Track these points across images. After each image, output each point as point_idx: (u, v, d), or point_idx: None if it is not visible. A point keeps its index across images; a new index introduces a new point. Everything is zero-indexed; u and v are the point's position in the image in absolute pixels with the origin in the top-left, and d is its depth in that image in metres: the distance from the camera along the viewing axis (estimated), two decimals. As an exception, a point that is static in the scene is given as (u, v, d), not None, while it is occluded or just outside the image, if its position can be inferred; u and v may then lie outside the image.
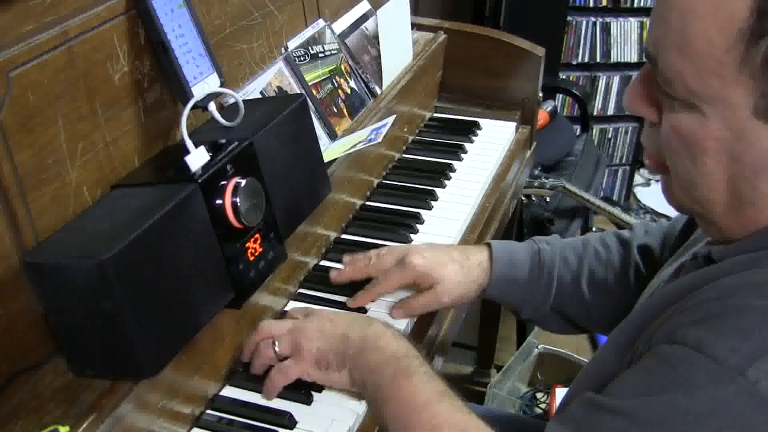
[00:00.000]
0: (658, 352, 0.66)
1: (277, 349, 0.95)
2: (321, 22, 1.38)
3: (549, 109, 2.15)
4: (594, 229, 2.45)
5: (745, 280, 0.67)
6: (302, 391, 0.95)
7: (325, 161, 1.13)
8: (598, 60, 3.09)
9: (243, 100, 0.98)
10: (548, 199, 2.21)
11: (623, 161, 3.29)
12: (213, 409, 0.95)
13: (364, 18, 1.52)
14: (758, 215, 0.70)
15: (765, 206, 0.69)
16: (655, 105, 0.73)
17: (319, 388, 0.97)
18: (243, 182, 0.89)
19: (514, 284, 1.09)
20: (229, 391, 0.97)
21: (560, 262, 1.10)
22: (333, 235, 1.26)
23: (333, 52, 1.38)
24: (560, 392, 2.02)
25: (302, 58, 1.29)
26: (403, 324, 1.08)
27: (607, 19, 3.03)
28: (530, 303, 1.11)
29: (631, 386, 0.66)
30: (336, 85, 1.37)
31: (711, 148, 0.68)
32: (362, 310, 1.11)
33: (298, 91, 1.26)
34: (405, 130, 1.55)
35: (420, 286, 1.09)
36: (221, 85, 0.98)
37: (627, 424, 0.63)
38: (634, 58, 3.10)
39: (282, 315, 1.09)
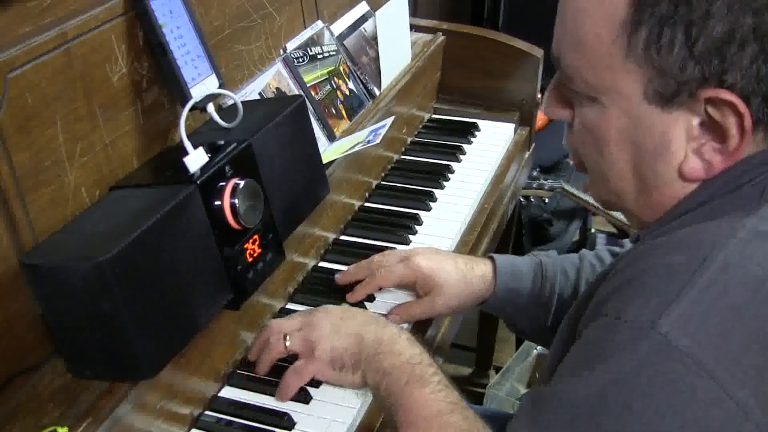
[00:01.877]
0: (587, 331, 0.68)
1: (287, 344, 0.95)
2: (319, 24, 1.38)
3: (548, 110, 2.15)
4: (592, 230, 2.45)
5: (650, 245, 0.71)
6: (300, 389, 0.95)
7: (323, 162, 1.13)
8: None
9: (241, 102, 0.98)
10: (547, 200, 2.21)
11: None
12: (211, 410, 0.95)
13: (362, 19, 1.52)
14: (662, 198, 0.75)
15: (666, 189, 0.74)
16: (568, 107, 0.78)
17: (317, 384, 0.96)
18: (241, 183, 0.89)
19: (518, 295, 1.10)
20: (228, 392, 0.97)
21: (560, 275, 1.11)
22: (332, 236, 1.26)
23: (332, 53, 1.38)
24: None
25: (301, 60, 1.29)
26: (401, 327, 1.08)
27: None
28: (528, 315, 1.11)
29: (569, 368, 0.68)
30: (335, 86, 1.37)
31: (613, 137, 0.74)
32: (362, 307, 1.11)
33: (297, 93, 1.26)
34: (403, 131, 1.55)
35: (420, 289, 1.09)
36: (220, 87, 0.98)
37: (568, 407, 0.64)
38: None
39: (281, 315, 1.09)
